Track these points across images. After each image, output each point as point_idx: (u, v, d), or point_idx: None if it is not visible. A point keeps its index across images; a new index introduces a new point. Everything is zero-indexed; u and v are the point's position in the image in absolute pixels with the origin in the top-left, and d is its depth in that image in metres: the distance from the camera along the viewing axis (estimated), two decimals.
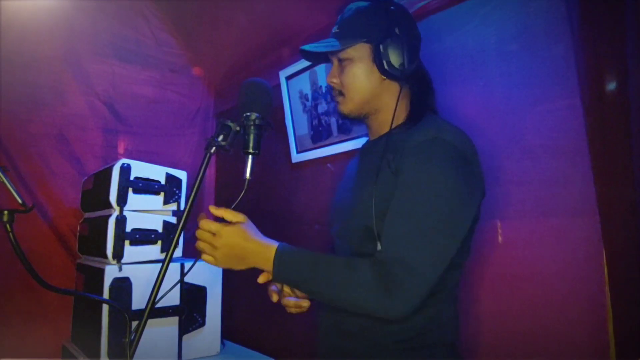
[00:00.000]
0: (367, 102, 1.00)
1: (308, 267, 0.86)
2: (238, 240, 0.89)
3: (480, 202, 0.93)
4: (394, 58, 0.94)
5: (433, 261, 0.81)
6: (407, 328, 0.88)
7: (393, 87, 1.00)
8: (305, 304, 1.02)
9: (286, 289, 1.03)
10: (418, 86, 1.02)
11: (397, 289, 0.78)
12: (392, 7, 0.99)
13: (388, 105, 1.00)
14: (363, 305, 0.83)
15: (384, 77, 0.98)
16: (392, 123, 0.97)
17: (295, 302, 1.01)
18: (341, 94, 1.01)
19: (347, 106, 1.01)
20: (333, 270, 0.85)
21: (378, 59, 0.95)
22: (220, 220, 0.91)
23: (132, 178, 1.60)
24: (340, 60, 1.01)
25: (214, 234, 0.88)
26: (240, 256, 0.89)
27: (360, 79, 0.98)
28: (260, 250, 0.89)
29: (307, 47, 1.01)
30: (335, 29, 1.01)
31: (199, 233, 0.90)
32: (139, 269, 1.58)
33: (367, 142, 1.11)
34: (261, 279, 0.96)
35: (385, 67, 0.95)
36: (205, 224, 0.89)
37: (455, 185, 0.84)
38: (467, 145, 0.89)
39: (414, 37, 0.99)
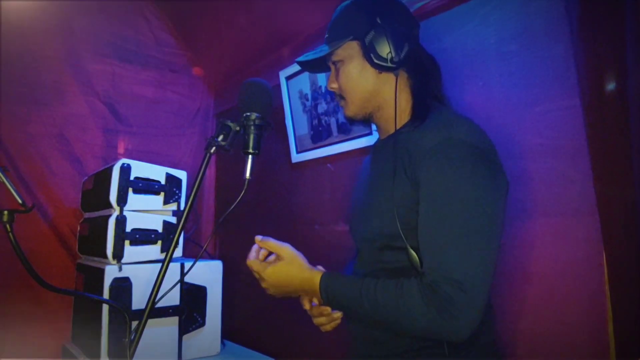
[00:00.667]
0: (367, 100, 0.97)
1: (355, 292, 0.85)
2: (281, 279, 0.94)
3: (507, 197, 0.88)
4: (381, 48, 0.91)
5: (482, 273, 0.77)
6: None
7: (391, 79, 0.96)
8: (337, 314, 0.98)
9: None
10: (417, 73, 0.97)
11: (453, 309, 0.74)
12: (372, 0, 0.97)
13: (390, 100, 0.97)
14: (418, 330, 0.80)
15: (379, 71, 0.95)
16: (395, 118, 0.95)
17: (327, 315, 0.97)
18: (342, 97, 1.00)
19: (350, 108, 0.99)
20: (381, 292, 0.82)
21: (367, 53, 0.93)
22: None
23: (132, 178, 1.60)
24: (335, 64, 0.99)
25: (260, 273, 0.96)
26: (289, 291, 0.96)
27: (355, 77, 0.96)
28: (304, 283, 0.93)
29: (301, 59, 1.01)
30: (326, 35, 1.00)
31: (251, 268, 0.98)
32: (139, 268, 1.58)
33: (378, 140, 1.08)
34: (306, 305, 0.99)
35: (374, 59, 0.92)
36: (251, 264, 0.98)
37: (483, 187, 0.80)
38: (484, 140, 0.85)
39: (400, 22, 0.94)
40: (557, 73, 1.10)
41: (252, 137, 0.92)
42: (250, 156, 0.92)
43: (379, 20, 0.92)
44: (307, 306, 0.99)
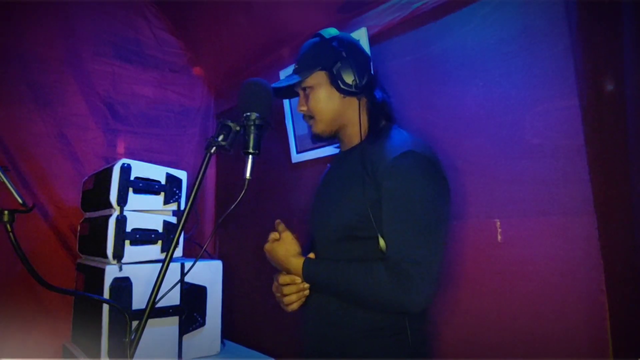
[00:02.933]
0: (334, 120, 1.13)
1: (331, 271, 1.02)
2: (272, 253, 1.14)
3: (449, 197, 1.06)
4: (347, 76, 1.08)
5: (435, 255, 0.95)
6: (380, 318, 1.00)
7: (354, 103, 1.13)
8: (306, 285, 1.11)
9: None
10: (373, 97, 1.14)
11: (411, 283, 0.91)
12: (336, 38, 1.13)
13: (353, 119, 1.14)
14: (383, 302, 0.96)
15: (343, 95, 1.11)
16: (360, 134, 1.13)
17: (297, 284, 1.11)
18: (311, 117, 1.14)
19: (319, 127, 1.14)
20: (353, 272, 0.99)
21: (334, 81, 1.09)
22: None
23: (132, 178, 1.61)
24: (304, 90, 1.15)
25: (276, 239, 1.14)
26: (278, 264, 1.14)
27: (324, 101, 1.12)
28: (289, 263, 1.11)
29: (275, 85, 1.13)
30: (294, 66, 1.15)
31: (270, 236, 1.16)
32: (139, 268, 1.58)
33: (340, 152, 1.24)
34: (284, 278, 1.12)
35: (341, 85, 1.09)
36: (272, 234, 1.16)
37: (435, 191, 1.00)
38: (431, 153, 1.04)
39: (360, 55, 1.13)
40: (556, 73, 1.10)
41: (252, 137, 0.92)
42: (250, 156, 0.92)
43: (344, 54, 1.09)
44: (282, 280, 1.13)
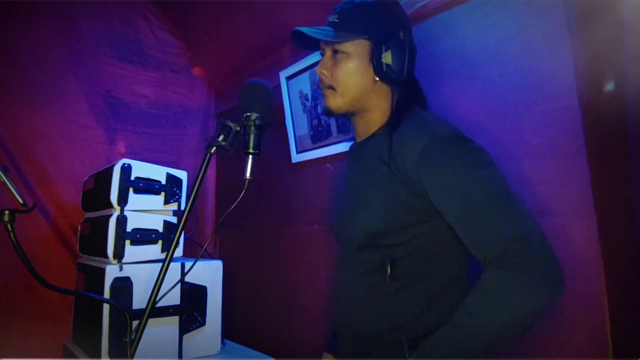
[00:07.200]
0: (357, 100, 0.98)
1: (448, 341, 0.77)
2: None
3: None
4: (395, 61, 0.93)
5: (531, 222, 0.77)
6: (423, 323, 0.86)
7: (385, 90, 0.98)
8: None
9: None
10: (408, 93, 1.00)
11: (536, 263, 0.72)
12: (399, 10, 0.97)
13: (376, 106, 0.98)
14: (525, 310, 0.72)
15: (378, 78, 0.96)
16: (389, 124, 0.97)
17: None
18: (331, 87, 0.98)
19: (336, 101, 0.98)
20: (468, 321, 0.75)
21: (377, 60, 0.93)
22: None
23: (132, 178, 1.61)
24: (335, 52, 0.97)
25: None
26: None
27: (355, 76, 0.95)
28: None
29: (305, 30, 0.95)
30: (334, 18, 0.96)
31: None
32: (139, 268, 1.58)
33: (355, 144, 1.08)
34: None
35: (384, 68, 0.93)
36: None
37: (485, 163, 0.84)
38: (458, 129, 0.90)
39: (414, 46, 0.98)
40: (555, 74, 1.10)
41: (252, 137, 0.92)
42: (250, 156, 0.92)
43: (401, 35, 0.93)
44: None
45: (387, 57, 0.93)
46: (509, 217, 0.77)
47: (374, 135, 0.99)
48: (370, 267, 0.93)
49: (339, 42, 0.95)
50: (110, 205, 1.59)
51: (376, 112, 0.99)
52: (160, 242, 1.67)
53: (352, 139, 1.12)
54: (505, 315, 0.73)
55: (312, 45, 1.02)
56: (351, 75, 0.95)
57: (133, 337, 0.83)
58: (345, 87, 0.96)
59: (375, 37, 0.93)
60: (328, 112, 1.00)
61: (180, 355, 1.63)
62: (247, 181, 0.91)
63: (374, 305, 0.91)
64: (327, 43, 0.98)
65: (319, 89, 1.02)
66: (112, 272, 1.52)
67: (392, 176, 0.88)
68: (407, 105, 0.98)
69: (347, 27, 0.94)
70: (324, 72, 0.98)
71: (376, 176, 0.92)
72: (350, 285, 0.98)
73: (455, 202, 0.81)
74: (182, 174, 1.76)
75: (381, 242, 0.89)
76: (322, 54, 1.01)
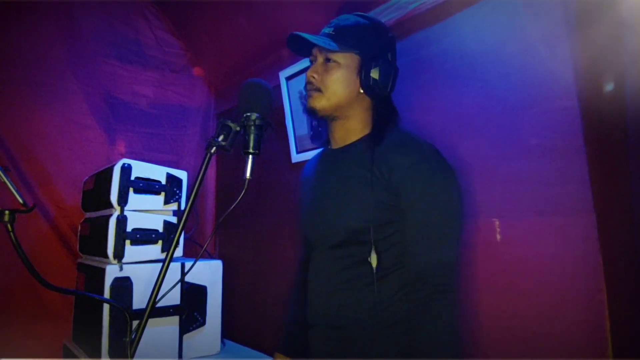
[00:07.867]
0: (340, 107, 1.06)
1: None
2: None
3: None
4: (381, 78, 1.03)
5: (459, 253, 0.98)
6: (400, 307, 0.98)
7: (366, 102, 1.07)
8: None
9: None
10: (389, 109, 1.09)
11: (450, 283, 0.95)
12: (390, 34, 1.07)
13: (357, 116, 1.07)
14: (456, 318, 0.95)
15: (362, 90, 1.05)
16: (371, 135, 1.06)
17: None
18: (319, 90, 1.05)
19: (322, 103, 1.05)
20: (426, 340, 0.94)
21: (365, 74, 1.03)
22: None
23: (132, 178, 1.61)
24: (327, 60, 1.05)
25: None
26: None
27: (342, 84, 1.04)
28: None
29: (306, 36, 1.02)
30: (329, 30, 1.05)
31: None
32: (139, 268, 1.58)
33: (330, 150, 1.15)
34: None
35: (370, 83, 1.03)
36: None
37: (455, 191, 0.99)
38: (434, 145, 1.01)
39: (397, 68, 1.08)
40: (554, 74, 1.10)
41: (252, 137, 0.92)
42: (250, 156, 0.92)
43: (389, 57, 1.05)
44: None
45: (375, 73, 1.03)
46: (450, 242, 0.96)
47: (354, 143, 1.08)
48: (352, 261, 1.01)
49: (334, 52, 1.03)
50: (111, 205, 1.59)
51: (356, 122, 1.08)
52: (160, 242, 1.67)
53: (324, 144, 1.21)
54: (448, 327, 0.94)
55: (305, 51, 1.10)
56: (340, 83, 1.04)
57: (133, 337, 0.83)
58: (332, 92, 1.04)
59: (366, 54, 1.03)
60: (312, 112, 1.08)
61: (180, 355, 1.63)
62: (247, 181, 0.91)
63: (359, 291, 1.00)
64: (322, 50, 1.05)
65: (305, 90, 1.10)
66: (112, 272, 1.53)
67: (374, 180, 0.97)
68: (388, 120, 1.08)
69: (342, 41, 1.03)
70: (315, 75, 1.06)
71: (357, 180, 1.01)
72: (329, 279, 1.05)
73: (423, 213, 0.96)
74: (182, 174, 1.76)
75: (362, 238, 0.98)
76: (313, 61, 1.09)
